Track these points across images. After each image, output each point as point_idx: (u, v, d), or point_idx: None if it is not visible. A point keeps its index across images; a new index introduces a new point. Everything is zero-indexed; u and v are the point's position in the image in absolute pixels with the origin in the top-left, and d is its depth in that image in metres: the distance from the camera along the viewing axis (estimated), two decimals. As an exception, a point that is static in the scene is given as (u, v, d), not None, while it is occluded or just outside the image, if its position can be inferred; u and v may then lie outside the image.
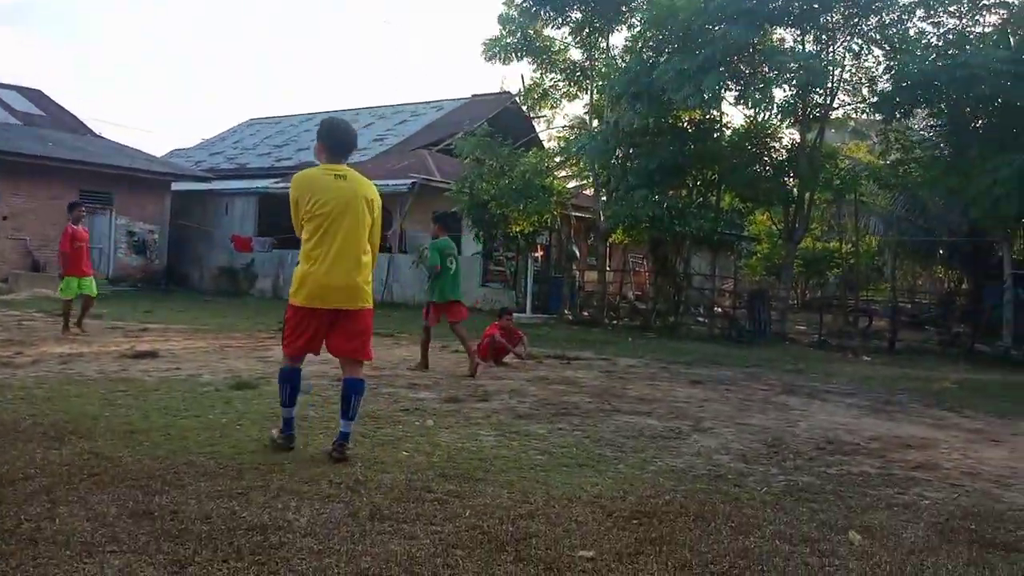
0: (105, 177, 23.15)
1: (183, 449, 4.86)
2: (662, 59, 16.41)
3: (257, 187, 25.45)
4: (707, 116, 18.22)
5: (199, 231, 25.53)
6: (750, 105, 17.23)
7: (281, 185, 24.93)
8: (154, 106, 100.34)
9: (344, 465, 4.65)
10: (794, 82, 16.09)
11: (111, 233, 23.75)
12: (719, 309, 20.41)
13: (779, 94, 16.72)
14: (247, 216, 25.09)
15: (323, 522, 3.66)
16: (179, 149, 36.74)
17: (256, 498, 3.96)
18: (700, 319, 19.27)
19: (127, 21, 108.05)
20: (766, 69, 16.28)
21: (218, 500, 3.89)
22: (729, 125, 18.92)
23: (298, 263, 4.86)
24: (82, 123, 29.07)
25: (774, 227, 22.59)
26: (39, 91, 30.12)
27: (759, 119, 17.84)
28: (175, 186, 25.65)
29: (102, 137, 28.47)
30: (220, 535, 3.42)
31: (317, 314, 4.78)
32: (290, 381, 4.93)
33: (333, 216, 4.71)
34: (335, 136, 4.97)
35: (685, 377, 9.82)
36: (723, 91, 16.38)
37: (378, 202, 4.93)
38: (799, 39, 17.07)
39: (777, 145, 18.32)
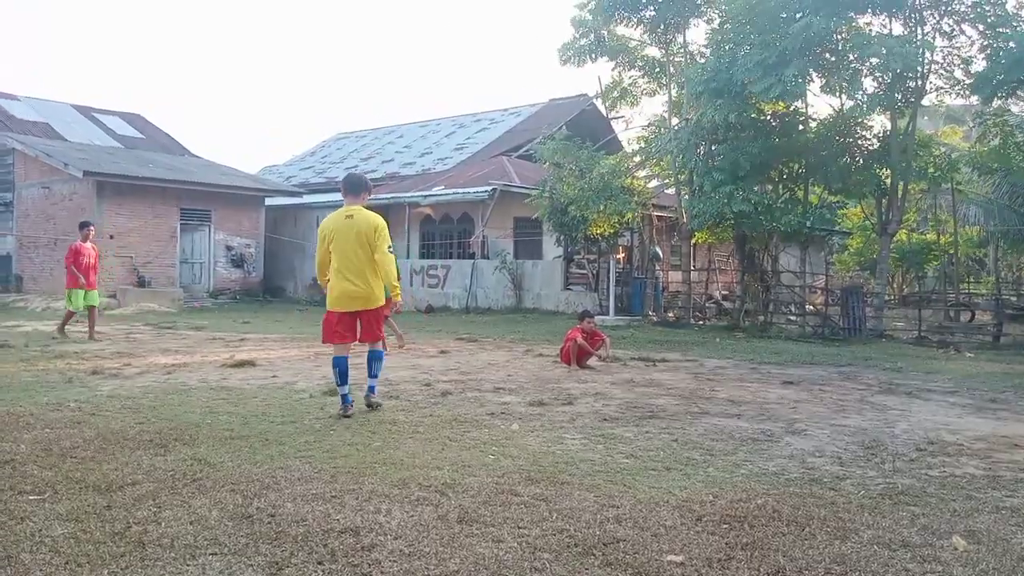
0: (203, 195, 24.23)
1: (280, 454, 5.05)
2: (742, 53, 16.05)
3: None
4: (791, 108, 17.71)
5: (292, 244, 26.40)
6: (837, 93, 16.66)
7: (369, 197, 25.57)
8: (246, 125, 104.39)
9: (432, 469, 4.73)
10: (883, 68, 15.46)
11: (210, 248, 24.83)
12: (811, 307, 19.80)
13: (868, 82, 16.11)
14: (335, 228, 25.79)
15: (413, 525, 3.74)
16: (271, 166, 38.13)
17: (349, 501, 4.08)
18: (791, 318, 18.73)
19: (212, 42, 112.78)
20: (851, 57, 15.71)
21: (313, 503, 4.03)
22: (815, 116, 18.36)
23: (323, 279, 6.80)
24: (179, 144, 30.54)
25: (867, 220, 21.78)
26: (138, 115, 31.81)
27: (846, 108, 17.24)
28: (268, 201, 26.64)
29: (199, 156, 29.83)
30: (315, 537, 3.54)
31: (345, 315, 6.51)
32: (339, 365, 6.48)
33: (342, 245, 6.42)
34: (347, 184, 6.84)
35: (776, 378, 9.57)
36: (807, 81, 15.89)
37: (380, 229, 6.47)
38: (886, 24, 16.42)
39: (867, 134, 17.62)
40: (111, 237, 22.25)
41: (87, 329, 12.75)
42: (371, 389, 6.70)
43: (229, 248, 25.24)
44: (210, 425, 5.90)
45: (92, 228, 13.59)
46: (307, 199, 27.41)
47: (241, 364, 9.47)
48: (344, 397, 6.42)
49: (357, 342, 6.72)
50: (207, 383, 8.01)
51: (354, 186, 6.77)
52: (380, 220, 6.56)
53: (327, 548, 3.42)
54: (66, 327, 12.85)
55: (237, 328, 15.31)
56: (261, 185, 27.10)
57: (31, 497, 4.04)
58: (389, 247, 6.52)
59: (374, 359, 6.73)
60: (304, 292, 25.80)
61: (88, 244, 13.07)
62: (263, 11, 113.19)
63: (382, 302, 6.67)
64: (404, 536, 3.58)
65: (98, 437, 5.39)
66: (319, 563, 3.26)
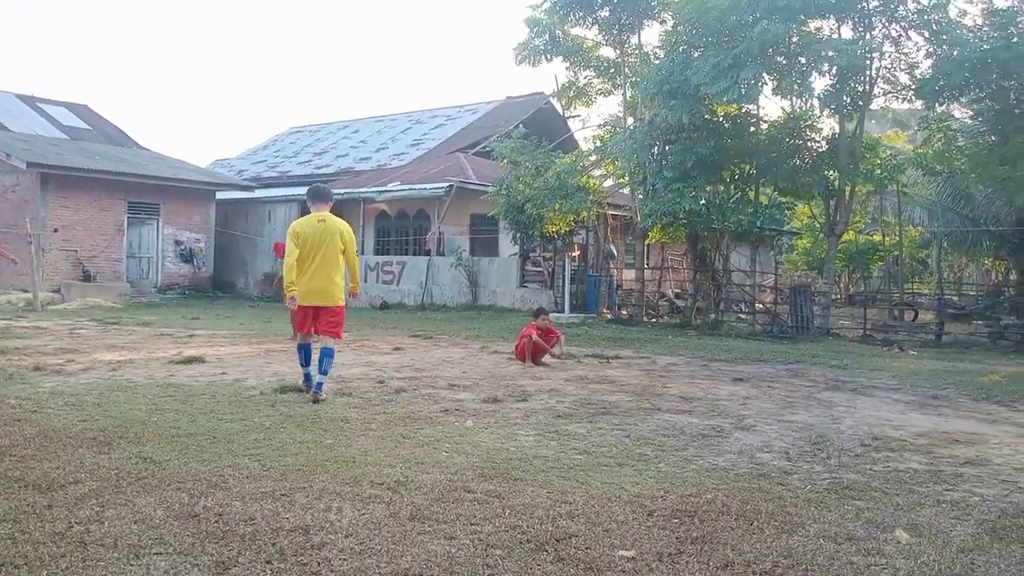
0: (151, 188, 23.67)
1: (228, 452, 4.96)
2: (696, 55, 16.25)
3: (298, 195, 25.80)
4: (743, 110, 17.99)
5: (244, 239, 25.95)
6: (788, 96, 16.97)
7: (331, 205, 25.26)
8: (196, 117, 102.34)
9: (385, 466, 4.70)
10: (833, 70, 15.80)
11: (158, 242, 24.28)
12: (760, 305, 20.15)
13: (818, 84, 16.46)
14: (289, 223, 25.32)
15: (364, 523, 3.70)
16: (223, 159, 37.41)
17: (299, 499, 4.02)
18: (741, 316, 19.04)
19: (162, 31, 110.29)
20: (803, 60, 16.03)
21: (262, 502, 3.96)
22: (766, 118, 18.69)
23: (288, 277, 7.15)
24: (127, 135, 29.77)
25: (815, 221, 22.25)
26: (85, 105, 30.92)
27: (797, 110, 17.57)
28: (219, 195, 26.12)
29: (147, 149, 29.13)
30: (263, 536, 3.48)
31: (307, 310, 7.16)
32: (303, 352, 7.33)
33: (313, 247, 7.04)
34: (313, 194, 7.54)
35: (726, 375, 9.72)
36: (761, 84, 16.17)
37: (348, 234, 7.25)
38: (836, 28, 16.79)
39: (816, 137, 18.01)
40: (55, 230, 21.62)
41: None
42: (319, 386, 6.99)
43: (178, 242, 24.71)
44: (156, 423, 5.76)
45: None
46: (259, 193, 26.96)
47: (189, 360, 9.28)
48: (307, 375, 7.31)
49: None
50: (154, 380, 7.84)
51: (320, 195, 7.48)
52: (347, 225, 7.38)
53: (276, 547, 3.36)
54: None
55: (186, 324, 15.01)
56: (212, 179, 26.56)
57: (-34, 497, 3.90)
58: (356, 251, 7.44)
59: (326, 355, 7.05)
60: (256, 288, 25.41)
61: None
62: (215, 1, 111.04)
63: (342, 302, 7.23)
64: (355, 534, 3.55)
65: (39, 435, 5.23)
66: (267, 562, 3.21)
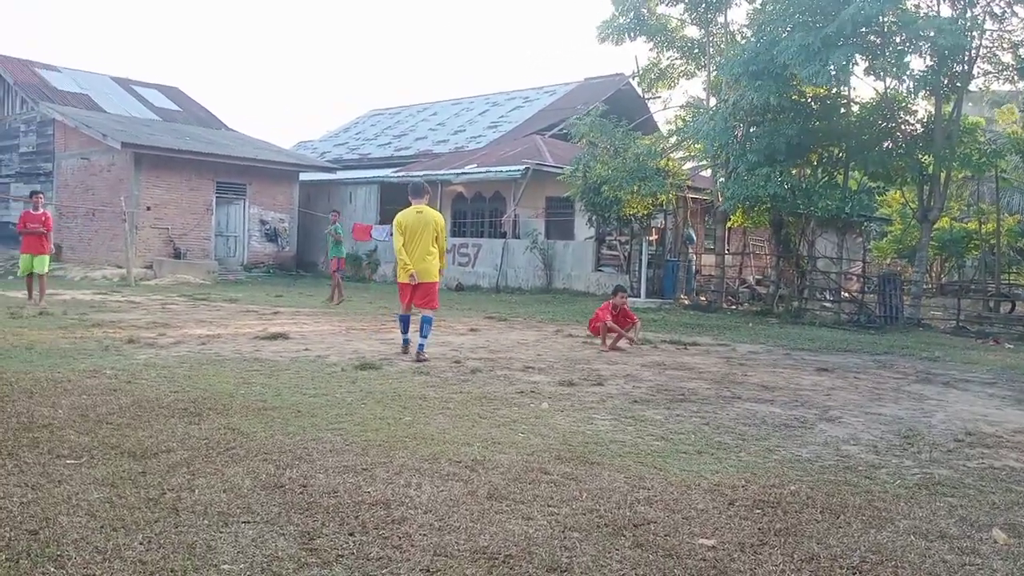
0: (238, 169, 24.42)
1: (312, 426, 5.09)
2: (784, 35, 15.73)
3: (378, 176, 26.22)
4: (832, 91, 17.35)
5: (326, 219, 26.54)
6: (882, 76, 16.27)
7: (400, 174, 25.60)
8: (282, 99, 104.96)
9: (462, 445, 4.74)
10: (930, 51, 15.07)
11: (245, 222, 25.06)
12: (847, 294, 19.51)
13: (914, 64, 15.72)
14: (369, 204, 25.90)
15: (443, 499, 3.74)
16: (306, 141, 38.31)
17: (380, 474, 4.10)
18: (826, 304, 18.47)
19: (252, 16, 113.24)
20: (898, 39, 15.32)
21: (344, 475, 4.05)
22: (857, 100, 17.97)
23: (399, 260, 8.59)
24: (216, 117, 30.77)
25: (907, 207, 21.35)
26: (176, 88, 32.08)
27: (890, 92, 16.84)
28: (303, 176, 26.77)
29: (235, 131, 30.05)
30: (346, 509, 3.56)
31: (407, 287, 8.49)
32: (403, 321, 8.84)
33: (412, 234, 8.44)
34: (412, 189, 8.77)
35: (810, 364, 9.44)
36: (852, 65, 15.56)
37: (440, 223, 8.62)
38: (933, 6, 16.00)
39: (910, 119, 17.23)
40: (148, 208, 22.52)
41: (38, 295, 12.79)
42: (420, 348, 8.30)
43: (263, 222, 25.45)
44: (244, 395, 5.96)
45: (41, 196, 13.73)
46: (341, 175, 27.51)
47: (274, 337, 9.56)
48: (405, 341, 8.74)
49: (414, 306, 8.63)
50: (241, 354, 8.10)
51: (418, 190, 8.75)
52: (440, 215, 8.76)
53: (358, 520, 3.43)
54: (34, 292, 12.87)
55: (270, 301, 15.47)
56: (296, 160, 27.23)
57: (68, 461, 4.11)
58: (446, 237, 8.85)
59: (425, 322, 8.43)
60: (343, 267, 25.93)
61: (39, 211, 13.15)
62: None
63: (437, 277, 8.62)
64: (434, 510, 3.59)
65: (134, 404, 5.47)
66: (350, 534, 3.28)
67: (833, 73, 14.55)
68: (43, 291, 12.93)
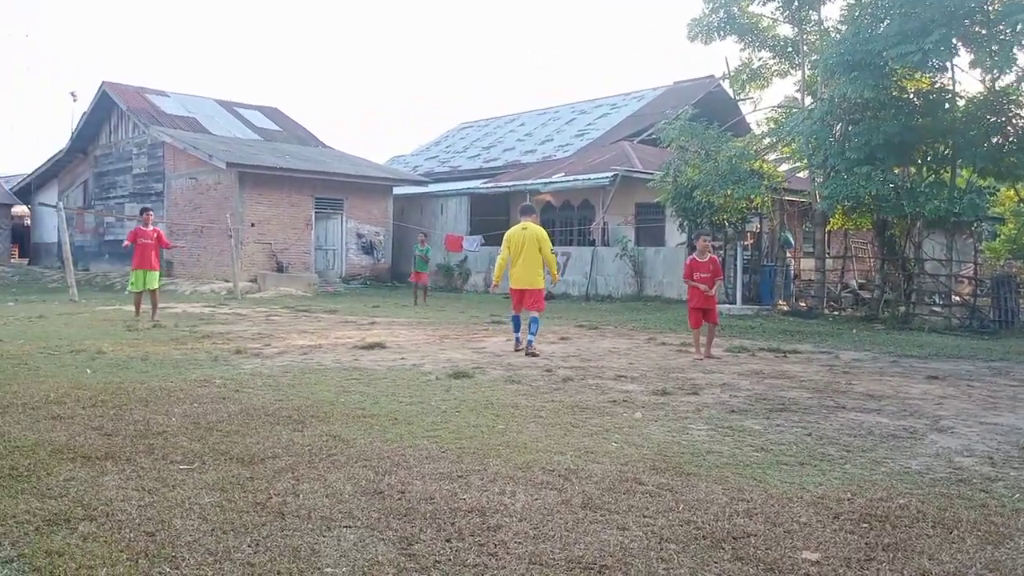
0: (336, 184, 25.23)
1: (409, 433, 5.19)
2: (881, 28, 15.12)
3: (468, 188, 26.59)
4: (935, 85, 16.54)
5: (419, 231, 27.09)
6: (988, 68, 15.42)
7: (489, 185, 25.88)
8: (375, 115, 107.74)
9: (555, 453, 4.74)
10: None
11: (342, 235, 25.86)
12: (958, 297, 18.53)
13: (1022, 56, 14.81)
14: (460, 216, 26.29)
15: (537, 508, 3.75)
16: (398, 156, 39.24)
17: (475, 481, 4.14)
18: (935, 309, 17.58)
19: (346, 38, 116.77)
20: (1003, 28, 14.47)
21: (440, 482, 4.11)
22: (963, 94, 17.08)
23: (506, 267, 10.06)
24: (313, 136, 31.88)
25: (1021, 205, 20.12)
26: (276, 108, 33.42)
27: (999, 85, 15.92)
28: (396, 190, 27.44)
29: (331, 148, 31.05)
30: (443, 515, 3.61)
31: (516, 291, 9.93)
32: (515, 321, 10.03)
33: (518, 248, 9.86)
34: (522, 210, 10.46)
35: (919, 372, 9.00)
36: (953, 53, 14.80)
37: (542, 238, 9.90)
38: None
39: (1023, 113, 16.24)
40: (252, 225, 23.52)
41: (151, 310, 13.23)
42: (529, 342, 9.55)
43: (360, 235, 26.20)
44: (344, 403, 6.14)
45: (151, 212, 14.11)
46: (432, 188, 28.03)
47: (372, 346, 9.81)
48: (517, 338, 9.90)
49: (524, 309, 9.91)
50: (340, 363, 8.34)
51: (526, 211, 10.38)
52: (543, 231, 10.05)
53: (455, 526, 3.48)
54: (142, 308, 13.38)
55: (367, 312, 15.88)
56: (389, 175, 27.93)
57: (181, 467, 4.32)
58: (551, 249, 10.08)
59: (533, 322, 9.69)
60: (429, 279, 26.44)
61: (149, 228, 13.49)
62: (391, 7, 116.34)
63: (541, 286, 9.94)
64: (529, 519, 3.60)
65: (241, 412, 5.72)
66: (447, 540, 3.33)
67: (928, 55, 13.80)
68: (156, 305, 13.53)
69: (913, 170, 17.38)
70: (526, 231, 9.88)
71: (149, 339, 10.30)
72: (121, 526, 3.41)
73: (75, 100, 32.45)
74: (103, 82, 28.56)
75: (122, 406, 5.86)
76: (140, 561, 3.06)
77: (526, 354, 9.32)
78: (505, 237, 10.04)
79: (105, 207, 29.28)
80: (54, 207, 24.72)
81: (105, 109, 29.26)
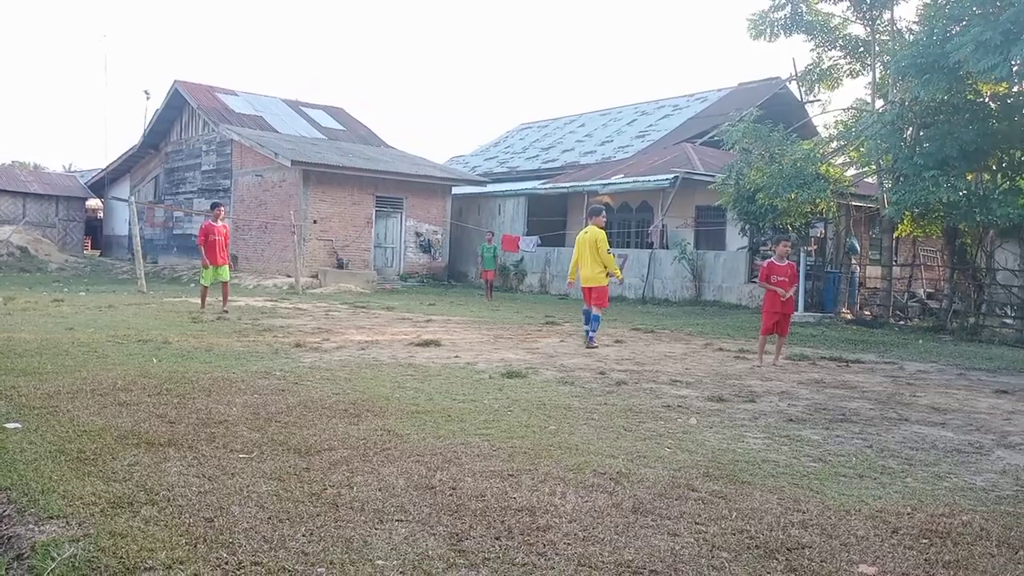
0: (396, 184, 25.56)
1: (461, 430, 5.23)
2: (956, 30, 14.61)
3: (526, 189, 26.63)
4: (1013, 90, 15.92)
5: (477, 231, 27.26)
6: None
7: (548, 186, 25.86)
8: (437, 116, 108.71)
9: (607, 456, 4.72)
10: None
11: (401, 234, 26.17)
12: (1031, 309, 17.80)
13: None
14: (517, 216, 26.35)
15: (587, 510, 3.74)
16: (458, 156, 39.55)
17: (525, 481, 4.15)
18: (1007, 321, 16.95)
19: (410, 39, 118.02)
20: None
21: (491, 480, 4.13)
22: (1045, 98, 16.38)
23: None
24: (376, 135, 32.33)
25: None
26: (340, 108, 33.99)
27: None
28: (455, 190, 27.65)
29: (393, 148, 31.45)
30: (493, 513, 3.63)
31: (584, 288, 10.88)
32: (585, 314, 10.93)
33: (580, 250, 10.88)
34: (588, 212, 11.52)
35: (987, 385, 8.69)
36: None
37: (596, 239, 10.68)
38: None
39: (1108, 118, 15.52)
40: (314, 222, 23.97)
41: (222, 301, 13.70)
42: (590, 337, 10.55)
43: (418, 234, 26.47)
44: (398, 399, 6.21)
45: (222, 208, 14.44)
46: (490, 188, 28.15)
47: (427, 344, 9.91)
48: (586, 331, 10.72)
49: (588, 305, 10.83)
50: (396, 360, 8.45)
51: (592, 213, 11.25)
52: (602, 233, 10.79)
53: (504, 524, 3.50)
54: (206, 301, 13.80)
55: (424, 310, 16.03)
56: (449, 175, 28.15)
57: (241, 455, 4.44)
58: (607, 250, 10.82)
59: (595, 319, 10.74)
60: (495, 275, 26.56)
61: (220, 223, 13.83)
62: (456, 8, 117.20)
63: (602, 283, 10.73)
64: (579, 520, 3.59)
65: (299, 404, 5.84)
66: (496, 538, 3.34)
67: (1016, 67, 13.32)
68: (227, 297, 13.97)
69: (987, 177, 16.78)
70: (586, 234, 10.81)
71: (213, 331, 10.58)
72: (181, 511, 3.51)
73: (148, 98, 33.51)
74: (175, 81, 29.47)
75: (185, 395, 6.04)
76: (198, 545, 3.15)
77: (586, 347, 10.22)
78: (576, 241, 11.16)
79: (175, 202, 30.21)
80: (126, 201, 25.64)
81: (176, 107, 30.19)
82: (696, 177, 20.81)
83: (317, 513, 3.56)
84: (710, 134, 26.14)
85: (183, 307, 14.24)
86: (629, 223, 24.42)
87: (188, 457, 4.36)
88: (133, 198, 23.51)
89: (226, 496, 3.73)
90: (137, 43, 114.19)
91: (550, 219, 25.69)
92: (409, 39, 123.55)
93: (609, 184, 23.29)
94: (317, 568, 3.00)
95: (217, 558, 3.05)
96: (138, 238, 19.82)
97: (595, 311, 10.63)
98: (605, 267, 10.70)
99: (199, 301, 14.07)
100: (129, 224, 28.33)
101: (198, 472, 4.09)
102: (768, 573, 3.13)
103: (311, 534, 3.31)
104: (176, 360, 7.84)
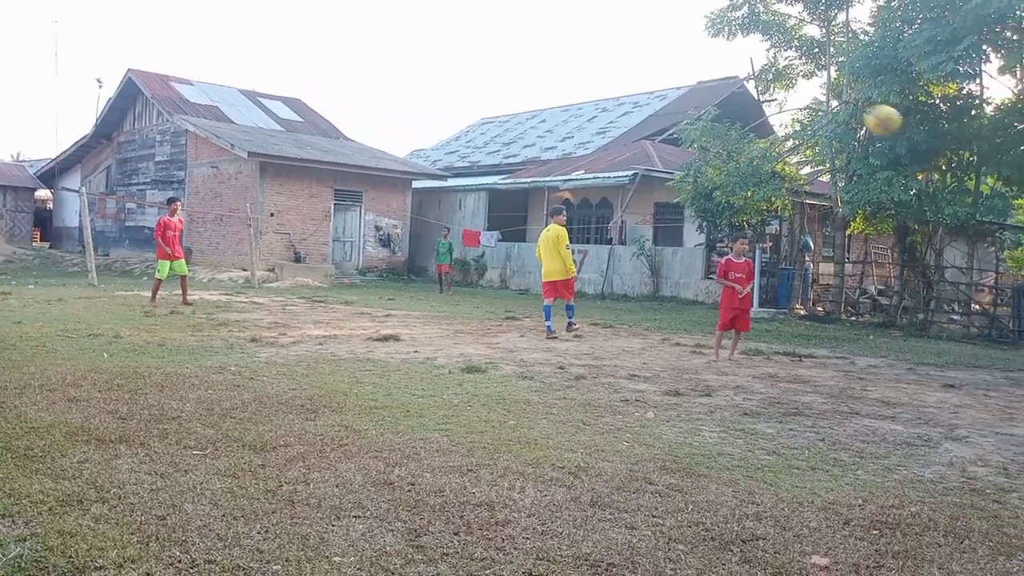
0: (355, 177, 25.31)
1: (420, 426, 5.21)
2: (908, 32, 14.96)
3: (486, 184, 26.60)
4: (963, 91, 16.35)
5: (437, 225, 27.17)
6: (1017, 75, 15.23)
7: (509, 181, 25.87)
8: (397, 109, 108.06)
9: (566, 451, 4.74)
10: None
11: (360, 227, 25.94)
12: (977, 306, 18.35)
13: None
14: (478, 211, 26.31)
15: (546, 504, 3.76)
16: (418, 150, 39.30)
17: (484, 475, 4.15)
18: (954, 317, 17.43)
19: (371, 30, 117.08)
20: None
21: (450, 475, 4.13)
22: (990, 100, 16.86)
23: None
24: (335, 127, 31.98)
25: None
26: (298, 99, 33.54)
27: (1030, 92, 15.71)
28: (415, 184, 27.48)
29: (352, 140, 31.15)
30: (452, 508, 3.63)
31: (547, 284, 11.59)
32: (546, 310, 11.38)
33: (544, 246, 11.52)
34: (550, 212, 12.72)
35: (936, 380, 8.93)
36: (983, 60, 14.61)
37: (561, 235, 11.40)
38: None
39: (1053, 120, 16.01)
40: (271, 215, 23.64)
41: (180, 294, 13.75)
42: (571, 324, 11.51)
43: (378, 228, 26.27)
44: (356, 394, 6.17)
45: (179, 203, 14.63)
46: (451, 182, 28.06)
47: (386, 338, 9.84)
48: (548, 327, 11.13)
49: (558, 297, 11.59)
50: (355, 355, 8.38)
51: (553, 212, 12.05)
52: (563, 230, 11.50)
53: (463, 520, 3.49)
54: (158, 296, 13.79)
55: (383, 304, 15.93)
56: (409, 168, 27.98)
57: (194, 452, 4.36)
58: (566, 246, 11.52)
59: (569, 309, 11.71)
60: (451, 269, 26.51)
61: (175, 218, 14.00)
62: (418, 1, 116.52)
63: (566, 276, 11.54)
64: (537, 515, 3.61)
65: (255, 400, 5.76)
66: (455, 534, 3.34)
67: (959, 64, 13.68)
68: (186, 291, 13.96)
69: (936, 176, 17.21)
70: (549, 231, 11.56)
71: (166, 325, 10.39)
72: (133, 509, 3.44)
73: (101, 87, 32.82)
74: (129, 69, 28.79)
75: (137, 390, 5.92)
76: (151, 544, 3.09)
77: (571, 333, 11.15)
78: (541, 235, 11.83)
79: (127, 193, 29.56)
80: (77, 192, 25.00)
81: (130, 96, 29.50)
82: (655, 174, 20.99)
83: (273, 510, 3.51)
84: (669, 132, 26.38)
85: (135, 301, 13.95)
86: (589, 219, 24.54)
87: (140, 454, 4.28)
88: (84, 189, 22.94)
89: (179, 493, 3.67)
90: (90, 30, 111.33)
91: (511, 214, 25.71)
92: (370, 31, 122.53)
93: (570, 180, 23.37)
94: (272, 566, 2.96)
95: (170, 556, 2.99)
96: (89, 230, 19.35)
97: (569, 301, 11.73)
98: (564, 262, 11.45)
99: (151, 295, 13.87)
100: (80, 216, 27.58)
101: (150, 469, 4.02)
102: (723, 565, 3.17)
103: (266, 531, 3.27)
104: (128, 355, 7.67)
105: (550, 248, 11.43)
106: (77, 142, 32.41)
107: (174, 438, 4.62)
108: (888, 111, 12.92)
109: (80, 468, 3.96)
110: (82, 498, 3.54)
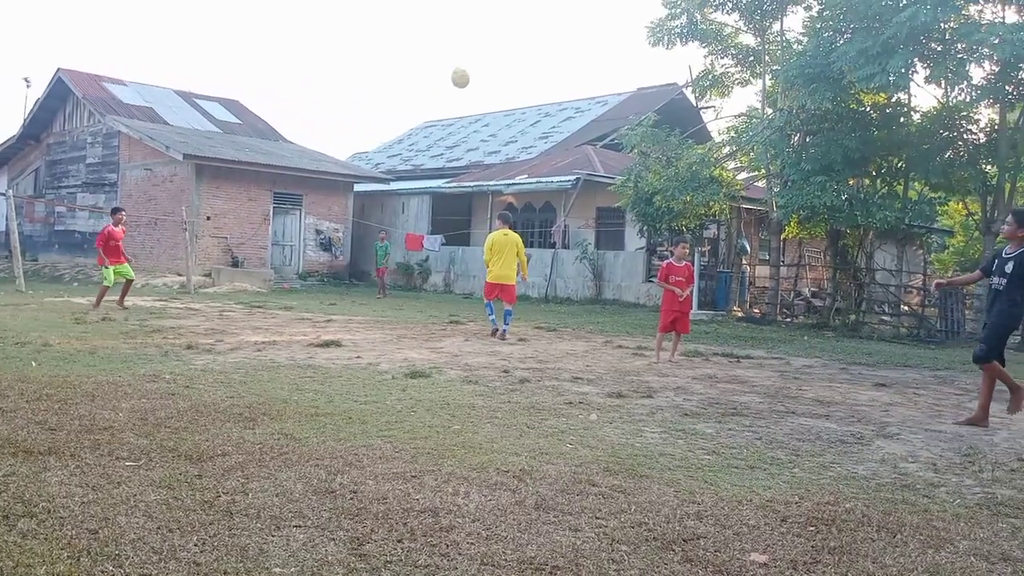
0: (295, 180, 24.93)
1: (363, 433, 5.15)
2: (841, 41, 15.46)
3: (430, 188, 26.49)
4: (892, 100, 16.96)
5: (379, 229, 26.93)
6: (942, 85, 15.87)
7: (452, 185, 25.81)
8: (337, 112, 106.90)
9: (510, 455, 4.74)
10: (994, 59, 14.63)
11: (300, 231, 25.55)
12: (906, 307, 19.01)
13: (976, 72, 15.28)
14: (421, 215, 26.17)
15: (491, 509, 3.75)
16: (360, 153, 38.94)
17: (428, 482, 4.12)
18: (884, 318, 18.03)
19: (309, 31, 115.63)
20: (959, 46, 14.91)
21: (394, 482, 4.08)
22: (917, 108, 17.54)
23: (488, 268, 11.94)
24: (274, 129, 31.46)
25: (969, 218, 20.74)
26: (236, 101, 32.90)
27: (952, 100, 16.39)
28: (357, 187, 27.19)
29: (292, 143, 30.67)
30: (395, 515, 3.59)
31: (495, 285, 11.74)
32: (489, 307, 11.86)
33: (499, 250, 11.74)
34: (501, 219, 12.47)
35: (868, 379, 9.22)
36: (911, 72, 15.18)
37: (518, 241, 11.85)
38: (998, 12, 15.53)
39: (973, 128, 16.75)
40: (208, 218, 23.12)
41: (118, 298, 13.73)
42: (504, 330, 11.45)
43: (318, 232, 25.92)
44: (297, 402, 6.06)
45: (123, 213, 14.86)
46: (394, 186, 27.85)
47: (327, 344, 9.71)
48: (493, 321, 11.75)
49: (499, 299, 11.78)
50: (295, 361, 8.24)
51: (505, 219, 12.38)
52: (518, 237, 11.98)
53: (407, 527, 3.46)
54: (102, 298, 13.65)
55: (324, 309, 15.72)
56: (351, 171, 27.68)
57: (128, 463, 4.23)
58: (525, 252, 12.02)
59: (507, 313, 11.69)
60: (388, 277, 26.31)
61: (119, 228, 14.11)
62: (360, 4, 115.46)
63: (515, 281, 11.85)
64: (482, 519, 3.60)
65: (191, 409, 5.61)
66: (399, 541, 3.31)
67: (891, 78, 14.22)
68: (126, 294, 14.01)
69: (867, 182, 17.81)
70: (507, 236, 11.88)
71: (97, 333, 10.06)
72: (63, 523, 3.32)
73: (29, 86, 31.48)
74: (59, 68, 27.83)
75: (67, 400, 5.71)
76: (82, 559, 2.98)
77: (500, 338, 11.23)
78: (490, 239, 11.98)
79: (57, 196, 28.55)
80: (3, 195, 24.02)
81: (60, 96, 28.51)
82: (597, 179, 21.21)
83: (210, 521, 3.42)
84: (610, 137, 26.69)
85: (65, 307, 13.48)
86: (533, 223, 24.64)
87: (70, 466, 4.12)
88: (11, 191, 22.09)
89: (112, 506, 3.55)
90: (17, 28, 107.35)
91: (455, 218, 25.65)
92: (310, 32, 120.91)
93: (513, 184, 23.44)
94: (211, 578, 2.88)
95: (102, 571, 2.89)
96: (16, 234, 18.61)
97: (508, 306, 11.73)
98: (520, 267, 11.92)
99: (92, 300, 13.77)
100: (7, 219, 26.59)
101: (81, 481, 3.88)
102: (665, 564, 3.21)
103: (204, 543, 3.19)
104: (57, 363, 7.40)
105: (508, 253, 11.71)
106: (3, 143, 31.17)
107: (106, 449, 4.47)
108: (462, 72, 14.24)
109: (6, 482, 3.80)
110: (8, 513, 3.39)
